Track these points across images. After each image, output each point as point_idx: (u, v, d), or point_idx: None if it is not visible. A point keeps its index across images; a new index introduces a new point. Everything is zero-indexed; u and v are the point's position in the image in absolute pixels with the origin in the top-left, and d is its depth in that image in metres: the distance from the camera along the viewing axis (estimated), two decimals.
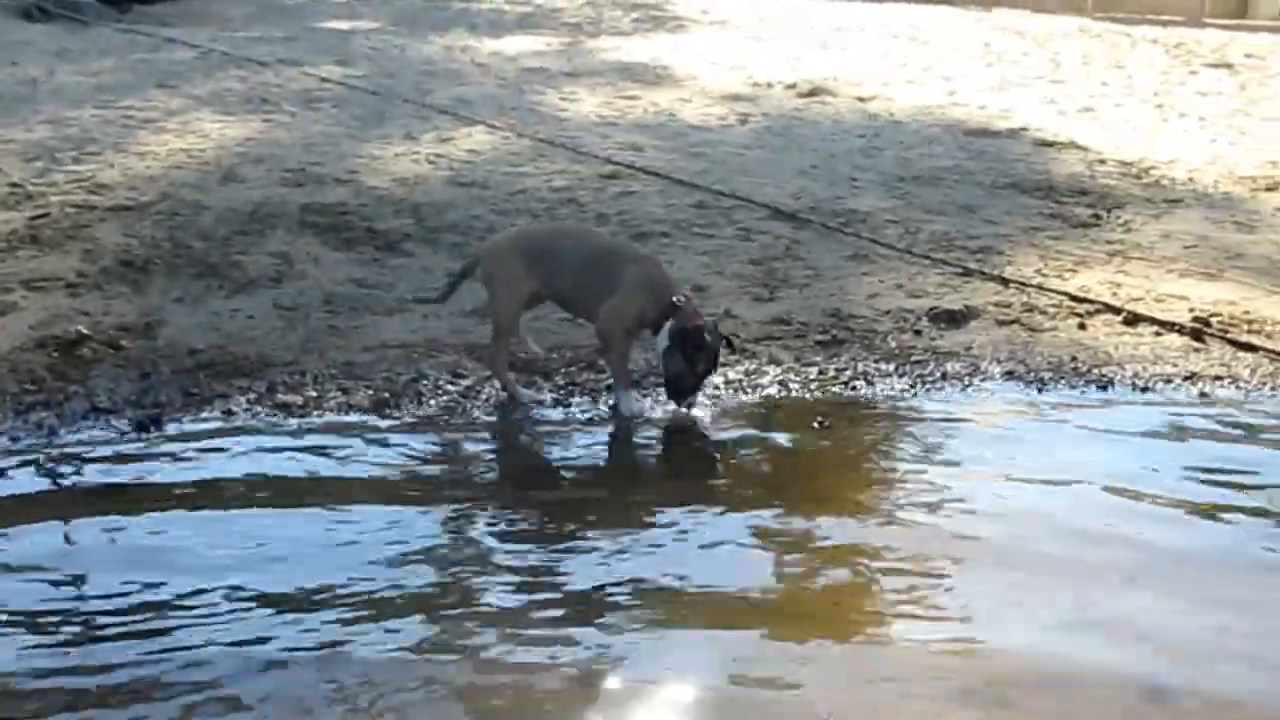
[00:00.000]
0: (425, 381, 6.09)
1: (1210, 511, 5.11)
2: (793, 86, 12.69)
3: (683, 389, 5.77)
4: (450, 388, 6.06)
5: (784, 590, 4.56)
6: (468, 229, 8.02)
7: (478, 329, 6.59)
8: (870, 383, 6.29)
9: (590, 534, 4.83)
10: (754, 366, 6.36)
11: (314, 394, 5.93)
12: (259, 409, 5.77)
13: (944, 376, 6.36)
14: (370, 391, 5.97)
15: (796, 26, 16.70)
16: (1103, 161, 10.32)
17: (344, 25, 15.52)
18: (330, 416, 5.73)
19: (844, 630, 4.28)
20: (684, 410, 5.82)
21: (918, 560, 4.68)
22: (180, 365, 6.11)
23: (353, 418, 5.73)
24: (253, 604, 4.30)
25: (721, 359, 5.91)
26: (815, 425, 5.75)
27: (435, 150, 9.78)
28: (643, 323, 5.81)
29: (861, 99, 12.30)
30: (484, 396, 5.99)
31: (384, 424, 5.69)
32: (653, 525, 4.93)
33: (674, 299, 5.75)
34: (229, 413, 5.71)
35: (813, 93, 12.41)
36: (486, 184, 8.95)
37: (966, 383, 6.31)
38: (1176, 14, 18.10)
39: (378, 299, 6.99)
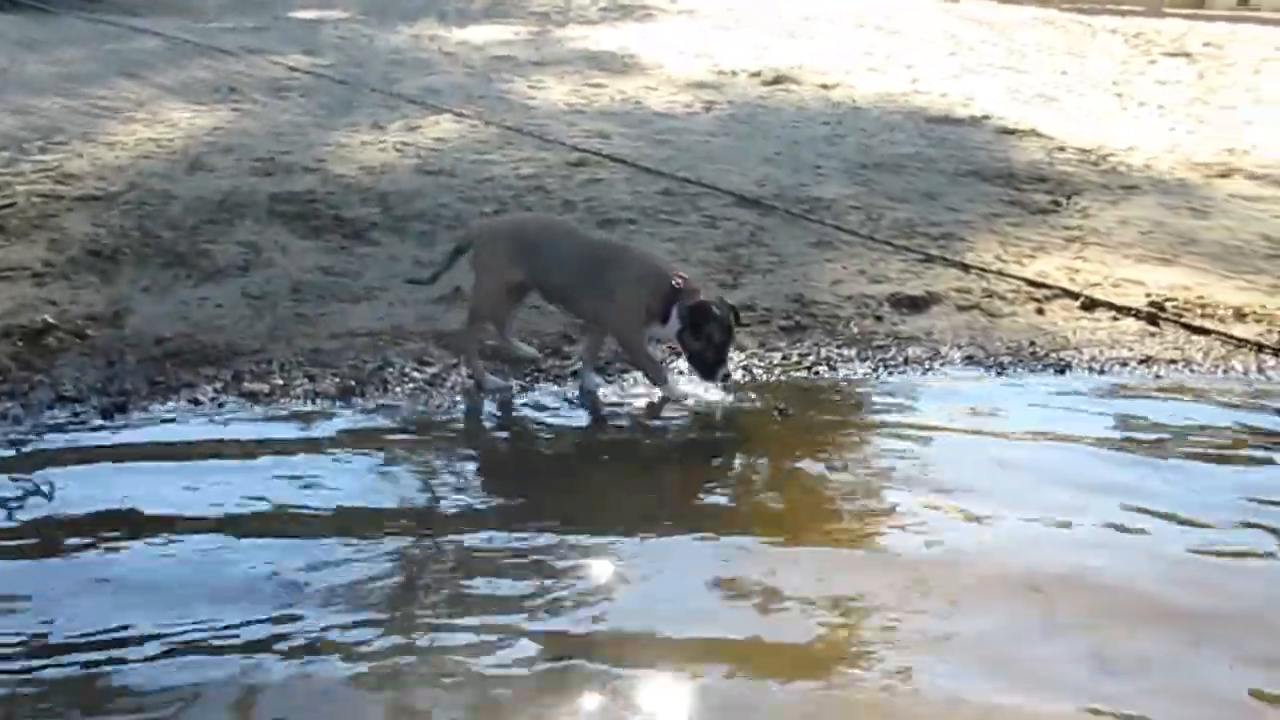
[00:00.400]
0: (391, 369, 6.06)
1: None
2: (758, 75, 12.65)
3: (708, 364, 5.73)
4: (416, 375, 6.04)
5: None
6: (435, 217, 7.99)
7: (444, 316, 6.58)
8: (833, 368, 6.30)
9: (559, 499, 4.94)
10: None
11: (280, 382, 5.91)
12: (225, 397, 5.74)
13: (905, 361, 6.38)
14: (337, 379, 5.94)
15: (764, 16, 16.64)
16: (1062, 149, 10.33)
17: (313, 15, 15.41)
18: (297, 405, 5.71)
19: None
20: (719, 385, 5.77)
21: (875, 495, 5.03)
22: (147, 354, 6.06)
23: (319, 405, 5.72)
24: None
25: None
26: (775, 414, 5.75)
27: (403, 139, 9.72)
28: (650, 316, 5.78)
29: (825, 86, 12.28)
30: (450, 384, 5.97)
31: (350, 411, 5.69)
32: (618, 489, 5.11)
33: (673, 283, 5.73)
34: (195, 401, 5.68)
35: (777, 81, 12.38)
36: (454, 172, 8.91)
37: (927, 367, 6.34)
38: (1136, 4, 18.13)
39: (345, 287, 6.95)
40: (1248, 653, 4.08)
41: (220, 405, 5.67)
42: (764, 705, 3.79)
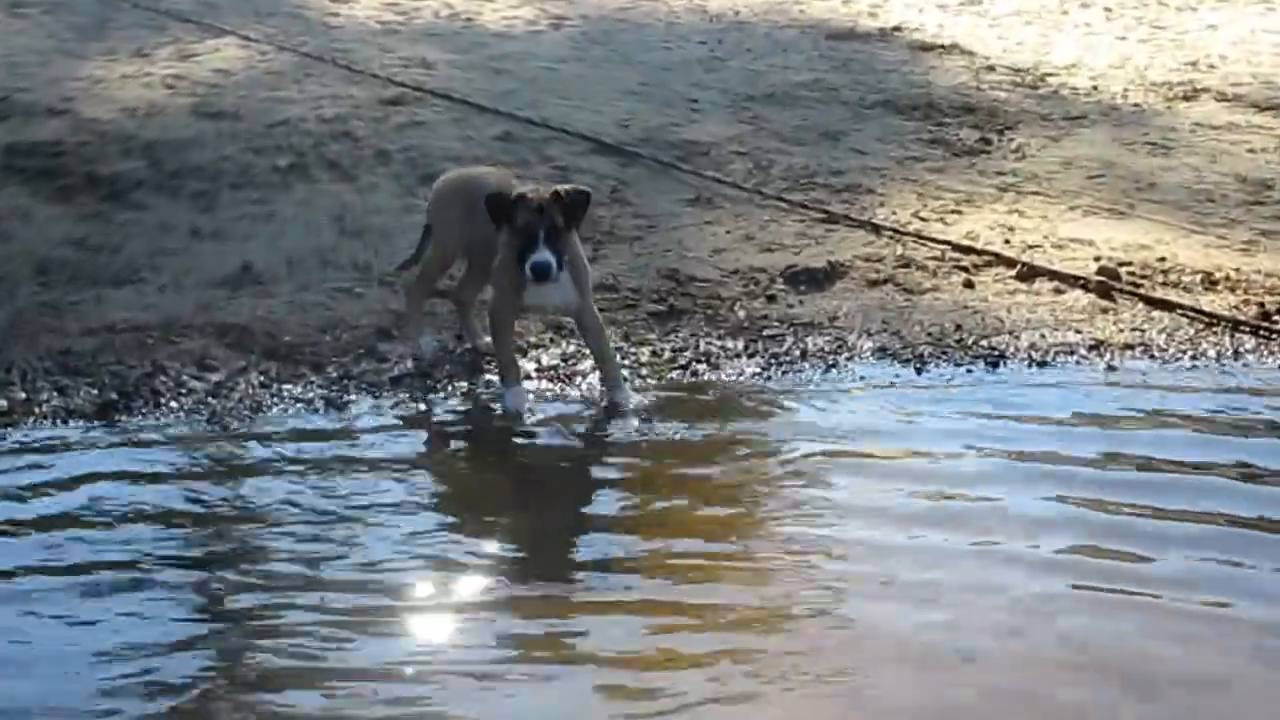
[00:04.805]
0: (164, 377, 5.97)
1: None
2: None
3: (524, 258, 5.65)
4: (196, 384, 5.95)
5: None
6: (216, 173, 7.92)
7: (228, 305, 6.52)
8: (715, 365, 6.31)
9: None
10: (571, 349, 6.33)
11: (23, 396, 5.79)
12: None
13: (803, 355, 6.39)
14: (94, 391, 5.85)
15: None
16: (991, 68, 10.44)
17: None
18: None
19: None
20: (548, 281, 5.70)
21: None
22: None
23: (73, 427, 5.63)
24: None
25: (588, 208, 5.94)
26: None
27: (173, 70, 9.55)
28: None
29: None
30: (238, 395, 5.88)
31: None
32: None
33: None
34: None
35: None
36: (239, 114, 8.76)
37: (830, 362, 6.35)
38: None
39: (104, 266, 6.89)
40: None
41: None
42: None
